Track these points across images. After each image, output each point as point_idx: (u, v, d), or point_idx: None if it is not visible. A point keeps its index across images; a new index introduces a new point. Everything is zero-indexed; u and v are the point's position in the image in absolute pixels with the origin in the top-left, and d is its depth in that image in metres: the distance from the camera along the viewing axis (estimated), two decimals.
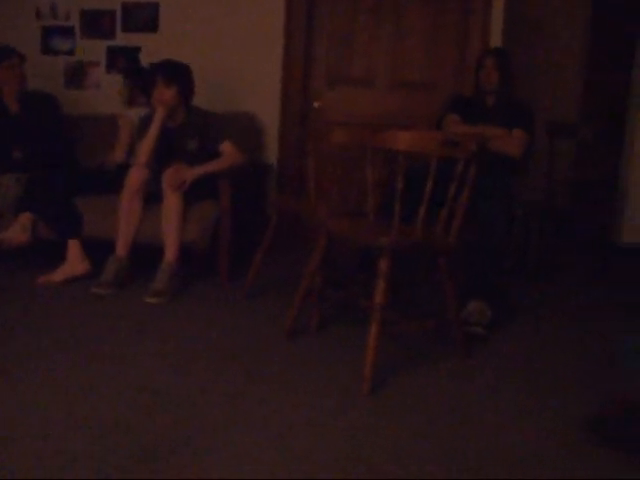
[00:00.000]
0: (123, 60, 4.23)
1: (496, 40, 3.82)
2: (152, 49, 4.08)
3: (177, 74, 3.29)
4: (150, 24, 4.19)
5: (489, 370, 2.42)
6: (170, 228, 3.11)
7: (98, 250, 3.20)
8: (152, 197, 3.18)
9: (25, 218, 3.20)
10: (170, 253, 3.10)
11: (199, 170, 3.15)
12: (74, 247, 3.22)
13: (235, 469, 1.70)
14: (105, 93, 4.25)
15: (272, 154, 4.11)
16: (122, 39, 4.22)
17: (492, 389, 2.26)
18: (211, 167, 3.19)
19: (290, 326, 2.59)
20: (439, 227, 2.40)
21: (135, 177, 3.17)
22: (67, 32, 4.31)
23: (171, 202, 3.10)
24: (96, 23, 4.27)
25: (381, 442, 1.87)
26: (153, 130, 3.25)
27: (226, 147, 3.28)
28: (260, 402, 2.07)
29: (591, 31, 4.79)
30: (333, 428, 1.93)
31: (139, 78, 3.77)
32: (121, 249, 3.16)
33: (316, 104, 4.14)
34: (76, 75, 4.34)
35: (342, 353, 2.49)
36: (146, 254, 3.18)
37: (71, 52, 4.33)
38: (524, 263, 3.69)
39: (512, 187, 3.12)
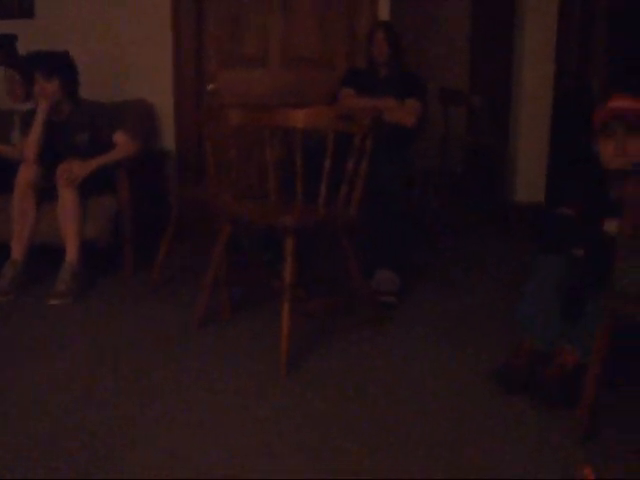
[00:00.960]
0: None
1: (384, 13, 3.86)
2: (29, 36, 3.83)
3: (57, 66, 3.13)
4: (26, 9, 3.92)
5: (402, 337, 2.49)
6: (68, 226, 2.99)
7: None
8: (47, 195, 3.04)
9: None
10: (71, 252, 2.99)
11: (92, 163, 3.04)
12: None
13: (162, 462, 1.67)
14: None
15: (170, 141, 4.02)
16: None
17: (406, 356, 2.33)
18: (104, 159, 3.08)
19: (201, 314, 2.56)
20: (340, 202, 2.43)
21: (24, 175, 3.02)
22: None
23: (66, 199, 2.98)
24: None
25: (303, 421, 1.89)
26: (36, 126, 3.10)
27: (119, 137, 3.18)
28: (179, 393, 2.05)
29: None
30: (255, 411, 1.94)
31: (20, 69, 3.56)
32: (17, 253, 3.01)
33: (210, 86, 4.07)
34: None
35: (256, 336, 2.49)
36: (47, 254, 3.05)
37: None
38: (423, 226, 3.80)
39: (408, 154, 3.20)
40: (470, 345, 2.41)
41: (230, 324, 2.61)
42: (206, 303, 2.54)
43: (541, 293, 2.16)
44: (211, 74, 4.07)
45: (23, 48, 3.66)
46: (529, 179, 4.28)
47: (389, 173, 2.89)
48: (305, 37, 4.04)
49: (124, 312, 2.77)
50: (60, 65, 3.15)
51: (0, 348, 2.41)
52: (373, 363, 2.27)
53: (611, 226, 2.08)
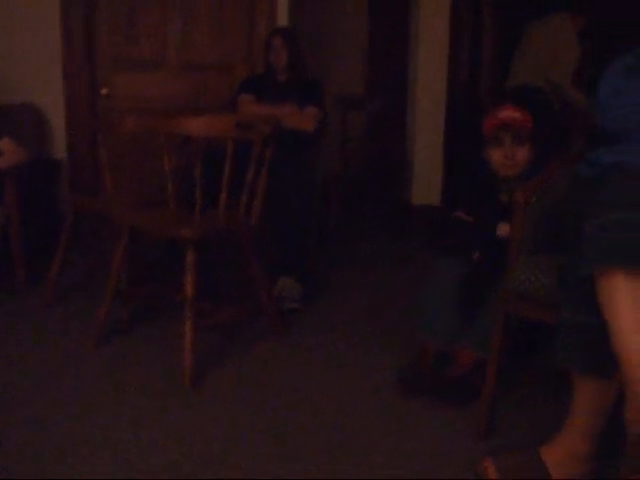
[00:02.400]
0: None
1: (283, 18, 3.87)
2: None
3: None
4: None
5: (307, 344, 2.50)
6: None
7: None
8: None
9: None
10: None
11: None
12: None
13: None
14: None
15: (62, 148, 3.84)
16: None
17: (311, 363, 2.34)
18: None
19: (100, 328, 2.46)
20: (241, 210, 2.40)
21: None
22: None
23: None
24: None
25: (209, 437, 1.85)
26: None
27: (5, 145, 3.00)
28: (78, 413, 1.95)
29: (371, 0, 5.01)
30: (159, 429, 1.88)
31: None
32: None
33: (104, 91, 3.93)
34: None
35: (160, 350, 2.42)
36: None
37: None
38: (324, 231, 3.84)
39: (310, 161, 3.22)
40: (374, 348, 2.46)
41: (132, 338, 2.53)
42: (106, 317, 2.45)
43: (440, 295, 2.23)
44: (104, 78, 3.93)
45: None
46: (426, 182, 4.42)
47: (290, 180, 2.89)
48: (202, 41, 3.98)
49: (18, 328, 2.61)
50: None
51: None
52: (278, 372, 2.27)
53: (503, 229, 2.19)
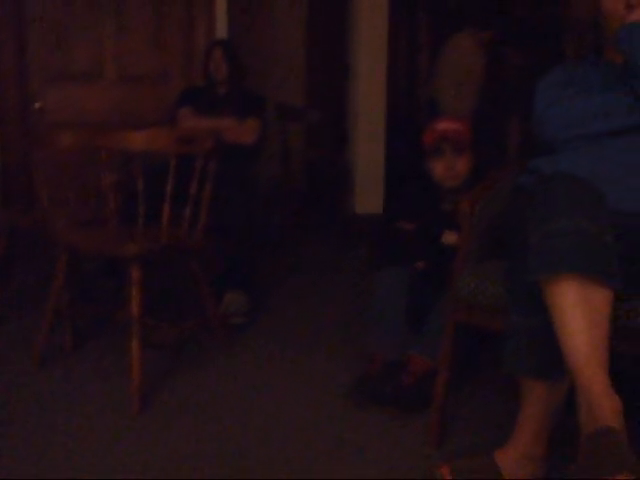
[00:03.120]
0: None
1: (222, 29, 3.85)
2: None
3: None
4: None
5: (256, 357, 2.47)
6: None
7: None
8: None
9: None
10: None
11: None
12: None
13: None
14: None
15: None
16: None
17: (261, 376, 2.32)
18: None
19: (41, 351, 2.37)
20: (185, 225, 2.37)
21: None
22: None
23: None
24: None
25: (161, 462, 1.80)
26: None
27: None
28: (19, 442, 1.87)
29: (309, 13, 5.03)
30: (107, 456, 1.82)
31: None
32: None
33: (37, 104, 3.81)
34: None
35: (104, 372, 2.34)
36: None
37: None
38: (269, 242, 3.83)
39: (249, 172, 3.20)
40: (325, 357, 2.45)
41: (75, 360, 2.44)
42: (46, 339, 2.36)
43: (386, 305, 2.24)
44: (38, 91, 3.82)
45: None
46: (368, 191, 4.46)
47: (231, 193, 2.86)
48: (139, 53, 3.92)
49: None
50: None
51: None
52: (228, 388, 2.23)
53: (449, 238, 2.22)
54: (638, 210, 1.57)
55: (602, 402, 1.23)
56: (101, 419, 2.01)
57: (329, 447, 1.87)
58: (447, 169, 2.27)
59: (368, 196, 4.45)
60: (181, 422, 2.00)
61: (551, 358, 1.43)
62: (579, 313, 1.32)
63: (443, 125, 2.33)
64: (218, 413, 2.06)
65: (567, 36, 1.91)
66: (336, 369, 2.35)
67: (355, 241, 4.19)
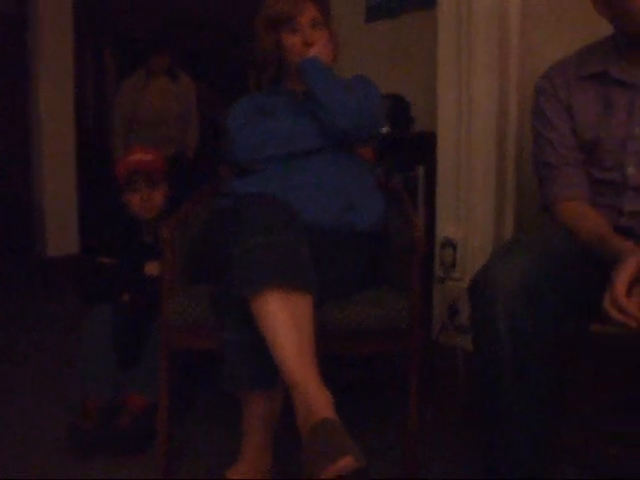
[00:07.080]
0: None
1: None
2: None
3: None
4: None
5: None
6: None
7: None
8: None
9: None
10: None
11: None
12: None
13: None
14: None
15: None
16: None
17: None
18: None
19: None
20: None
21: None
22: None
23: None
24: None
25: None
26: None
27: None
28: None
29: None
30: None
31: None
32: None
33: None
34: None
35: None
36: None
37: None
38: None
39: None
40: (37, 410, 2.22)
41: None
42: None
43: (95, 347, 2.12)
44: None
45: None
46: (61, 231, 4.19)
47: None
48: None
49: None
50: None
51: None
52: None
53: (152, 269, 2.19)
54: (329, 224, 1.73)
55: (317, 397, 1.32)
56: None
57: None
58: (143, 201, 2.24)
59: (61, 237, 4.17)
60: None
61: (266, 368, 1.48)
62: (285, 322, 1.40)
63: (135, 157, 2.30)
64: None
65: (250, 71, 2.05)
66: (47, 425, 2.14)
67: (51, 287, 3.88)
